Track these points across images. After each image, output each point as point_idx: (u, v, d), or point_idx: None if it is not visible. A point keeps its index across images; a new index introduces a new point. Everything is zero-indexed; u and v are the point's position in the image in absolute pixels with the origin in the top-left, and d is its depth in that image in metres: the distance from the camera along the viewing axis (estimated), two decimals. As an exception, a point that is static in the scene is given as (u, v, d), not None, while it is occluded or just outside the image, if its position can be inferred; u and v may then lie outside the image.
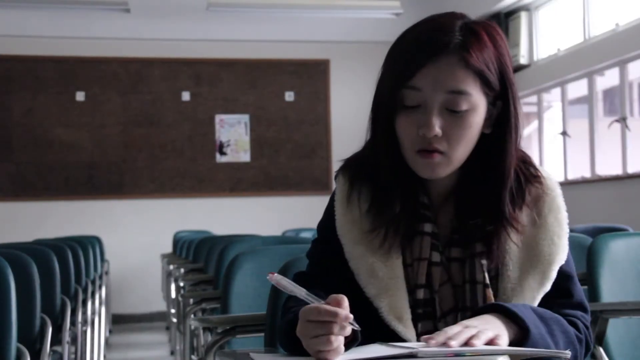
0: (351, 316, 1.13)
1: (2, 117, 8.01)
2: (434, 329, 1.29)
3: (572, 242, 2.61)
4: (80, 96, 8.18)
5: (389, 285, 1.31)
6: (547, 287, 1.33)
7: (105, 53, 8.20)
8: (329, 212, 1.42)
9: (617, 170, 5.97)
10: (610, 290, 2.11)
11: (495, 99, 1.32)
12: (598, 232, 2.64)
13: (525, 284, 1.31)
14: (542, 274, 1.32)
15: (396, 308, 1.30)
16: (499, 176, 1.32)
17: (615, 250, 2.17)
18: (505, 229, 1.33)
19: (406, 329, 1.29)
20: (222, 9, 7.39)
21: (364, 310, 1.32)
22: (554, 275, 1.33)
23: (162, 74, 8.34)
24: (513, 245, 1.33)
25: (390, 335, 1.29)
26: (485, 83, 1.29)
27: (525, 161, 1.38)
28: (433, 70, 1.27)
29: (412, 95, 1.29)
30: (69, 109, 8.15)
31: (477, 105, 1.29)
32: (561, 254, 1.34)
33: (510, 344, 1.20)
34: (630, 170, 5.83)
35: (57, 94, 8.13)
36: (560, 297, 1.35)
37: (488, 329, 1.18)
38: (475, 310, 1.27)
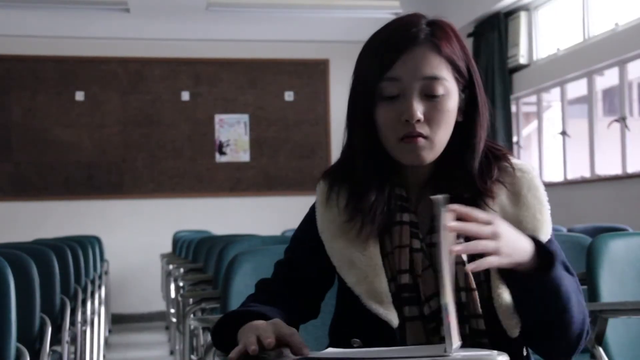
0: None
1: (2, 117, 8.01)
2: (420, 313, 1.35)
3: (572, 242, 2.63)
4: (79, 96, 8.18)
5: (367, 272, 1.36)
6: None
7: (104, 53, 8.21)
8: (306, 221, 1.49)
9: (617, 170, 5.97)
10: (610, 290, 2.12)
11: (465, 87, 1.41)
12: (597, 232, 2.64)
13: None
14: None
15: (375, 292, 1.35)
16: (470, 157, 1.40)
17: (615, 250, 2.17)
18: (479, 197, 1.38)
19: (387, 311, 1.33)
20: (222, 9, 7.39)
21: (349, 303, 1.38)
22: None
23: (161, 73, 8.34)
24: (491, 212, 1.37)
25: (373, 321, 1.33)
26: (456, 70, 1.38)
27: (494, 145, 1.46)
28: (409, 60, 1.35)
29: (391, 86, 1.36)
30: (69, 109, 8.15)
31: (452, 90, 1.37)
32: (545, 228, 1.39)
33: (533, 270, 1.25)
34: (630, 170, 5.83)
35: (56, 94, 8.13)
36: None
37: (509, 255, 1.22)
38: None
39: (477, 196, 1.38)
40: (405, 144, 1.36)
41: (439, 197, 1.16)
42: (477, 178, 1.39)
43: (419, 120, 1.34)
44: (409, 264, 1.36)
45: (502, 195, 1.41)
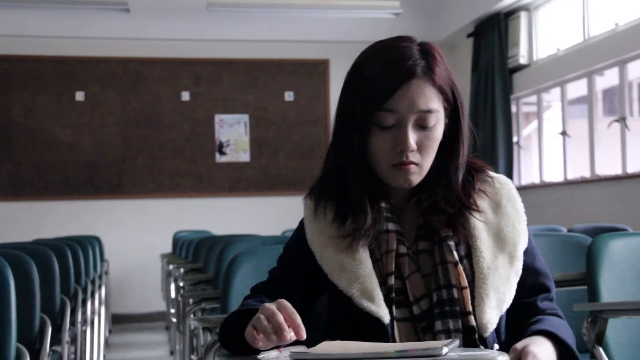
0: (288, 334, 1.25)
1: (2, 117, 8.00)
2: (410, 314, 1.42)
3: (572, 242, 2.63)
4: (79, 96, 8.18)
5: (358, 274, 1.43)
6: (518, 267, 1.47)
7: (104, 53, 8.20)
8: (297, 234, 1.56)
9: (617, 170, 5.97)
10: (610, 290, 2.11)
11: (449, 113, 1.48)
12: (597, 232, 2.64)
13: (499, 264, 1.46)
14: (510, 255, 1.47)
15: (367, 291, 1.41)
16: (454, 176, 1.49)
17: (615, 250, 2.17)
18: (466, 208, 1.48)
19: (379, 308, 1.39)
20: (222, 9, 7.39)
21: (341, 308, 1.45)
22: (520, 255, 1.48)
23: (161, 73, 8.34)
24: (479, 223, 1.48)
25: (366, 321, 1.39)
26: (445, 99, 1.46)
27: (473, 160, 1.55)
28: (406, 93, 1.41)
29: (387, 117, 1.43)
30: (69, 109, 8.15)
31: (441, 119, 1.46)
32: (522, 237, 1.50)
33: None
34: (630, 170, 5.83)
35: (56, 94, 8.13)
36: (540, 292, 1.52)
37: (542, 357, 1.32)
38: (526, 332, 1.41)
39: (464, 209, 1.48)
40: (397, 170, 1.45)
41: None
42: (462, 193, 1.49)
43: (412, 150, 1.43)
44: (395, 267, 1.43)
45: (484, 204, 1.51)
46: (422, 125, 1.43)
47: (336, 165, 1.50)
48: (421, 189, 1.49)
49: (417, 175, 1.46)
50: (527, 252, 1.49)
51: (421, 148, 1.44)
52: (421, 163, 1.45)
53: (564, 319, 1.50)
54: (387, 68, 1.42)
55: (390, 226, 1.47)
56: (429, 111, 1.42)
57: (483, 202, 1.51)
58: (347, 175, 1.48)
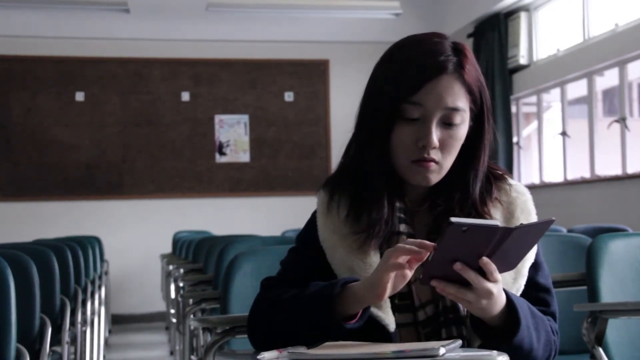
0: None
1: (2, 117, 8.00)
2: (414, 319, 1.40)
3: (572, 242, 2.63)
4: (79, 96, 8.18)
5: None
6: (521, 284, 1.43)
7: (104, 53, 8.20)
8: (309, 225, 1.51)
9: (617, 171, 5.97)
10: (610, 291, 2.11)
11: (474, 116, 1.45)
12: (597, 233, 2.64)
13: (502, 279, 1.39)
14: (516, 271, 1.42)
15: None
16: (473, 182, 1.46)
17: (615, 251, 2.17)
18: (479, 218, 1.43)
19: (385, 315, 1.37)
20: (222, 9, 7.39)
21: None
22: (525, 272, 1.44)
23: (161, 74, 8.34)
24: None
25: (371, 326, 1.36)
26: (472, 100, 1.43)
27: (494, 166, 1.53)
28: (435, 88, 1.39)
29: (413, 110, 1.39)
30: (69, 109, 8.15)
31: (466, 119, 1.43)
32: (531, 253, 1.44)
33: (498, 329, 1.31)
34: (630, 170, 5.83)
35: (56, 94, 8.13)
36: (539, 306, 1.45)
37: (497, 301, 1.29)
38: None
39: (477, 218, 1.42)
40: (417, 166, 1.41)
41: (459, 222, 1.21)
42: (478, 202, 1.45)
43: (434, 147, 1.40)
44: None
45: (497, 214, 1.47)
46: (447, 123, 1.40)
47: (355, 159, 1.47)
48: (437, 191, 1.46)
49: (436, 174, 1.42)
50: (532, 266, 1.46)
51: (443, 146, 1.41)
52: (442, 162, 1.41)
53: (555, 334, 1.44)
54: (418, 60, 1.40)
55: (402, 228, 1.44)
56: (455, 109, 1.39)
57: (497, 212, 1.47)
58: (366, 170, 1.44)
